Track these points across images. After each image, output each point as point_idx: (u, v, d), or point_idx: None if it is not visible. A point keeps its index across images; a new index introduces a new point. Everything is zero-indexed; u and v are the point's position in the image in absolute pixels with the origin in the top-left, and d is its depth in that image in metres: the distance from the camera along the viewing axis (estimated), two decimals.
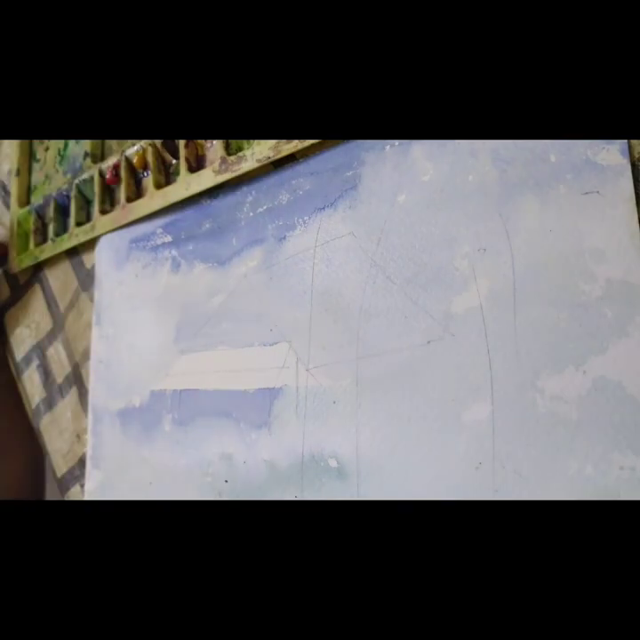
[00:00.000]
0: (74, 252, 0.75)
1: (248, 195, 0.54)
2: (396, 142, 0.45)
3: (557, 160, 0.38)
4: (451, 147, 0.43)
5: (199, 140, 0.59)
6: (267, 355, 0.50)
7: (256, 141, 0.52)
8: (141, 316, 0.62)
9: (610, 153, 0.37)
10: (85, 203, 0.73)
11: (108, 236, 0.68)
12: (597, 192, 0.37)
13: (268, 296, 0.51)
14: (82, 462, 0.68)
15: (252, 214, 0.54)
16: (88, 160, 0.71)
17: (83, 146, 0.73)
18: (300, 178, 0.51)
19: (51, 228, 0.75)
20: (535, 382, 0.38)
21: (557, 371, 0.37)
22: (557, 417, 0.37)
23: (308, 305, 0.48)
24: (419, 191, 0.44)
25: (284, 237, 0.51)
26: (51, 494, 0.73)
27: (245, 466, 0.50)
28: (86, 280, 0.72)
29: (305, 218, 0.50)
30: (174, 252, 0.60)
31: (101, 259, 0.68)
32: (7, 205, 0.87)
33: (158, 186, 0.62)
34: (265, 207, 0.53)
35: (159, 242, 0.62)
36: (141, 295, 0.62)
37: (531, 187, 0.39)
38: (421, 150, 0.44)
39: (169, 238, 0.61)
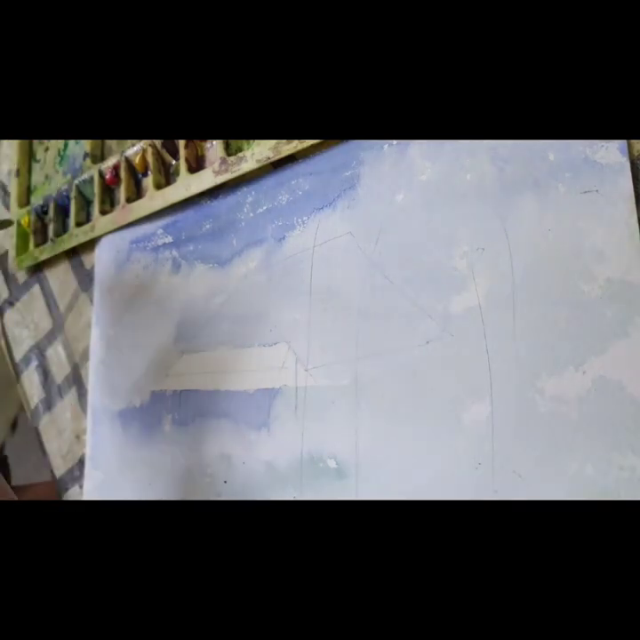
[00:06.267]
0: (73, 253, 0.75)
1: (248, 195, 0.54)
2: (394, 141, 0.45)
3: (556, 159, 0.38)
4: (449, 146, 0.43)
5: (199, 141, 0.59)
6: (266, 355, 0.50)
7: (256, 142, 0.52)
8: (142, 316, 0.62)
9: (609, 151, 0.37)
10: (85, 203, 0.73)
11: (109, 236, 0.68)
12: (597, 191, 0.37)
13: (267, 296, 0.51)
14: (81, 463, 0.68)
15: (251, 215, 0.54)
16: (88, 160, 0.71)
17: (83, 146, 0.73)
18: (300, 178, 0.51)
19: (51, 229, 0.75)
20: (535, 382, 0.37)
21: (557, 371, 0.37)
22: (557, 417, 0.37)
23: (307, 305, 0.48)
24: (417, 190, 0.44)
25: (284, 237, 0.51)
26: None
27: (244, 466, 0.50)
28: (86, 280, 0.72)
29: (304, 218, 0.50)
30: (175, 253, 0.60)
31: (102, 259, 0.68)
32: (7, 206, 0.87)
33: (158, 186, 0.62)
34: (265, 208, 0.53)
35: (160, 242, 0.62)
36: (142, 296, 0.62)
37: (529, 185, 0.39)
38: (419, 149, 0.44)
39: (169, 239, 0.61)
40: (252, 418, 0.50)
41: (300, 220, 0.50)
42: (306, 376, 0.47)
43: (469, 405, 0.40)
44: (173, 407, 0.57)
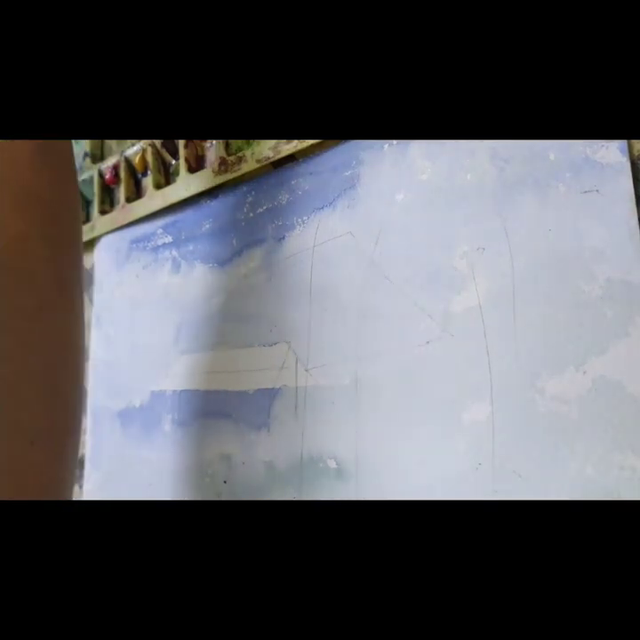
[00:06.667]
0: None
1: (248, 195, 0.54)
2: (395, 141, 0.45)
3: (556, 158, 0.38)
4: (449, 145, 0.43)
5: (199, 141, 0.60)
6: (266, 355, 0.50)
7: (256, 142, 0.52)
8: (142, 316, 0.62)
9: (609, 151, 0.37)
10: (85, 203, 0.73)
11: (109, 236, 0.68)
12: (597, 191, 0.37)
13: (267, 296, 0.51)
14: (80, 463, 0.67)
15: (251, 215, 0.54)
16: (88, 160, 0.71)
17: (82, 146, 0.73)
18: (300, 178, 0.51)
19: None
20: (535, 382, 0.37)
21: (557, 371, 0.37)
22: (557, 417, 0.36)
23: (307, 305, 0.48)
24: (417, 190, 0.44)
25: (284, 237, 0.51)
26: None
27: (244, 466, 0.50)
28: (86, 280, 0.72)
29: (304, 218, 0.50)
30: (174, 253, 0.60)
31: (101, 259, 0.68)
32: None
33: (158, 186, 0.62)
34: (264, 207, 0.53)
35: (159, 242, 0.62)
36: (142, 295, 0.62)
37: (529, 185, 0.39)
38: (419, 149, 0.44)
39: (169, 239, 0.61)
40: (251, 418, 0.50)
41: (299, 220, 0.50)
42: (306, 376, 0.47)
43: (469, 405, 0.39)
44: (173, 407, 0.57)
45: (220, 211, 0.57)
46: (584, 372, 0.36)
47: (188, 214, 0.60)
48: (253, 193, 0.54)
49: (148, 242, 0.63)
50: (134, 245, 0.65)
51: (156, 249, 0.62)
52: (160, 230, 0.62)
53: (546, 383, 0.37)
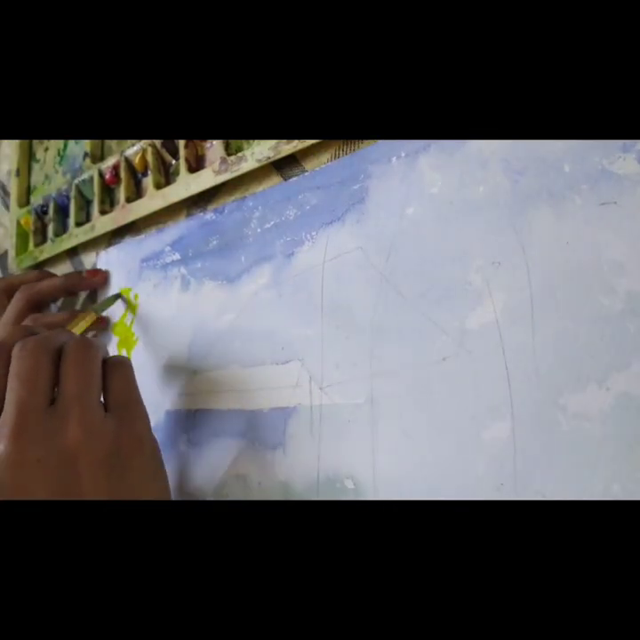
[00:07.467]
0: (74, 253, 0.75)
1: (254, 210, 0.54)
2: (403, 153, 0.44)
3: (571, 170, 0.37)
4: (459, 157, 0.42)
5: (199, 141, 0.60)
6: (279, 373, 0.50)
7: (256, 141, 0.53)
8: (155, 335, 0.62)
9: (626, 162, 0.36)
10: (85, 203, 0.74)
11: (119, 255, 0.69)
12: (615, 203, 0.36)
13: (278, 314, 0.50)
14: None
15: (259, 230, 0.53)
16: (88, 160, 0.72)
17: (83, 146, 0.74)
18: (307, 192, 0.50)
19: (50, 229, 0.76)
20: (557, 399, 0.37)
21: (579, 387, 0.36)
22: (581, 435, 0.36)
23: (319, 322, 0.47)
24: (427, 204, 0.43)
25: (293, 253, 0.50)
26: None
27: (260, 487, 0.50)
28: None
29: (312, 233, 0.49)
30: (183, 271, 0.60)
31: (114, 280, 0.68)
32: (7, 206, 0.88)
33: (158, 186, 0.63)
34: (272, 223, 0.52)
35: (168, 260, 0.62)
36: (155, 314, 0.63)
37: (544, 198, 0.38)
38: (428, 162, 0.43)
39: (177, 256, 0.61)
40: (267, 437, 0.50)
41: (308, 236, 0.49)
42: (321, 394, 0.46)
43: (489, 423, 0.39)
44: (188, 426, 0.57)
45: (226, 227, 0.56)
46: (607, 389, 0.35)
47: (193, 230, 0.60)
48: (260, 208, 0.53)
49: (158, 260, 0.63)
50: (145, 264, 0.65)
51: (165, 267, 0.62)
52: (168, 248, 0.62)
53: (568, 400, 0.36)
